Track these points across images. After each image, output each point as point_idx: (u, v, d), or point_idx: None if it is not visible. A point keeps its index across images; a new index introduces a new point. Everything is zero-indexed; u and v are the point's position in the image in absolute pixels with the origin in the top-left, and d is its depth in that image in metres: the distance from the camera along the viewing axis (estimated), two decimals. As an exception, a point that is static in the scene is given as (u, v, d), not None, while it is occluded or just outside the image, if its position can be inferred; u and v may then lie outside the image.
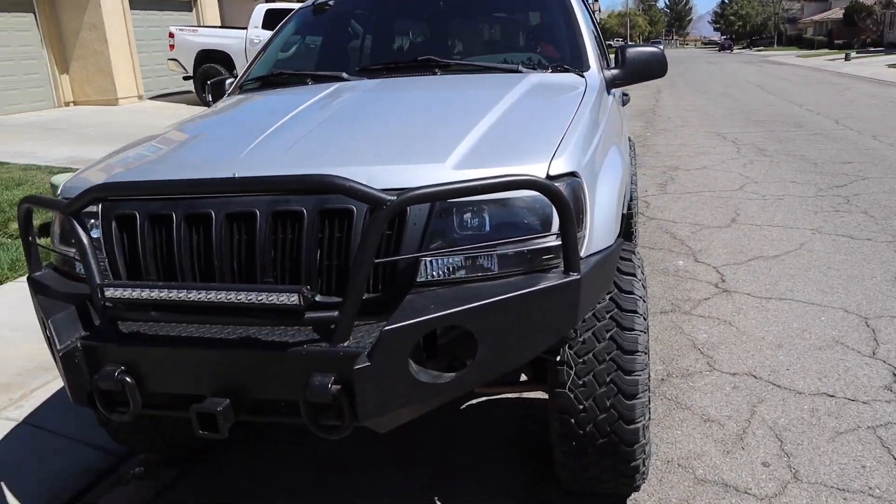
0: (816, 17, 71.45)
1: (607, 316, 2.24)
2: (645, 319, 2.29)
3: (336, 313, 1.75)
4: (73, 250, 2.17)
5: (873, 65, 32.94)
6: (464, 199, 1.86)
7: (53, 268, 2.36)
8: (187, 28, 17.07)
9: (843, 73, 28.89)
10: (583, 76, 2.98)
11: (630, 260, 2.38)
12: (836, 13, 64.77)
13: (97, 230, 2.16)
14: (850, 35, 56.73)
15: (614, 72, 3.20)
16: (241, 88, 3.55)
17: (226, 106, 3.11)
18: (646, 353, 2.23)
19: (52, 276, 2.30)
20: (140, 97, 16.83)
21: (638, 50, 3.20)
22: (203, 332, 1.90)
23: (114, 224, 2.11)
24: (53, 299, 2.09)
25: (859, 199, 6.95)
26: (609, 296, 2.27)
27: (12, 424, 3.22)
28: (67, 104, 16.03)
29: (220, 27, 18.36)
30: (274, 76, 3.43)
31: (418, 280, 1.89)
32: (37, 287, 2.20)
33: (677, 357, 3.73)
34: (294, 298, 1.68)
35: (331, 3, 3.93)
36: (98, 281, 1.89)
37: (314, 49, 3.78)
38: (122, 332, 1.96)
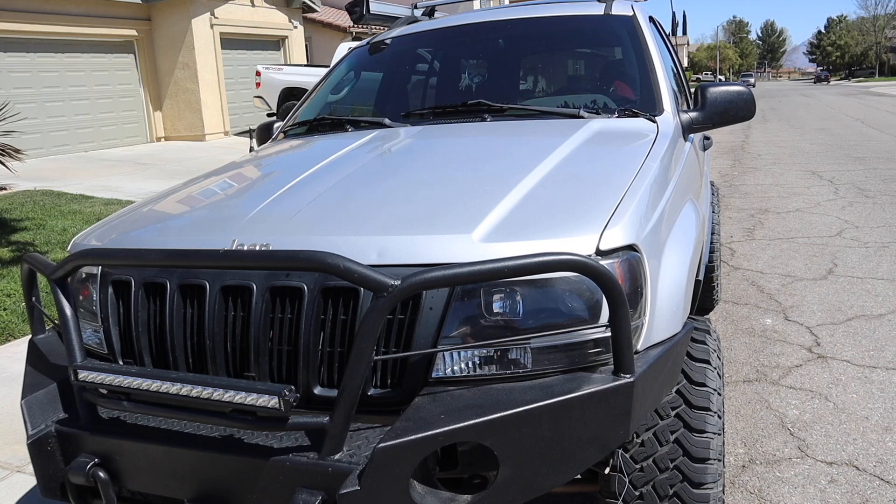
0: (923, 46, 67.64)
1: (672, 413, 1.86)
2: (720, 418, 1.90)
3: (326, 419, 1.47)
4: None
5: None
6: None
7: (58, 331, 2.19)
8: (273, 66, 17.55)
9: (954, 104, 26.96)
10: (654, 121, 2.62)
11: (703, 342, 2.00)
12: (946, 41, 61.11)
13: (96, 295, 1.97)
14: (962, 64, 53.28)
15: (693, 115, 2.79)
16: (286, 134, 3.37)
17: (258, 156, 2.92)
18: (719, 461, 1.84)
19: (53, 341, 2.13)
20: (226, 133, 17.35)
21: (721, 90, 2.78)
22: (184, 427, 1.66)
23: (110, 290, 1.92)
24: (40, 373, 1.90)
25: (979, 249, 6.19)
26: (676, 388, 1.90)
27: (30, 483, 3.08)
28: (159, 139, 16.70)
29: (305, 65, 18.81)
30: (317, 121, 3.23)
31: (433, 376, 1.58)
32: (31, 354, 2.03)
33: (762, 438, 3.25)
34: (274, 401, 1.40)
35: (387, 41, 3.73)
36: (76, 360, 1.69)
37: (366, 91, 3.57)
38: (100, 418, 1.74)
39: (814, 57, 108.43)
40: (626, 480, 1.83)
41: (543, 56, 3.25)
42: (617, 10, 3.35)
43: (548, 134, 2.43)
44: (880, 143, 15.26)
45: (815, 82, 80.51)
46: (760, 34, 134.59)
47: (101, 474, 1.66)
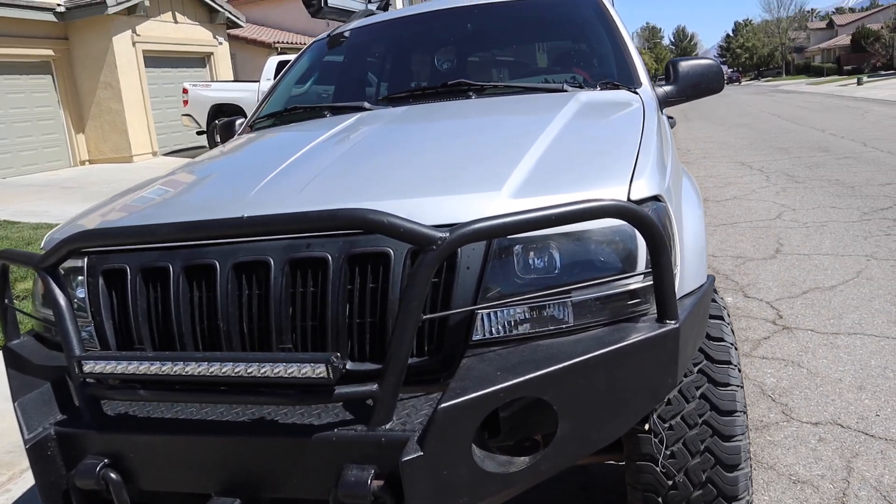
0: (823, 45, 71.57)
1: (696, 370, 1.85)
2: (740, 371, 1.91)
3: (375, 386, 1.38)
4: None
5: (887, 87, 32.59)
6: (528, 234, 1.50)
7: (35, 335, 2.03)
8: (200, 83, 17.11)
9: (857, 97, 28.55)
10: (636, 93, 2.64)
11: (715, 301, 2.00)
12: (843, 40, 64.89)
13: (82, 289, 1.82)
14: (859, 60, 56.65)
15: (667, 88, 2.82)
16: (252, 128, 3.25)
17: (234, 146, 2.79)
18: (745, 413, 1.84)
19: (31, 344, 1.97)
20: (154, 153, 16.80)
21: (692, 63, 2.83)
22: (206, 415, 1.54)
23: (101, 281, 1.78)
24: (27, 374, 1.74)
25: (909, 222, 6.52)
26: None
27: (2, 513, 2.85)
28: (83, 163, 16.02)
29: (233, 81, 18.41)
30: (288, 111, 3.12)
31: (474, 339, 1.52)
32: (10, 358, 1.86)
33: (747, 407, 3.30)
34: (321, 370, 1.31)
35: (346, 34, 3.65)
36: (76, 352, 1.55)
37: (331, 84, 3.47)
38: (105, 415, 1.60)
39: (724, 59, 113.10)
40: (656, 440, 1.81)
41: (514, 39, 3.23)
42: None
43: (539, 107, 2.41)
44: (799, 134, 15.99)
45: (728, 83, 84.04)
46: (673, 39, 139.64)
47: (113, 475, 1.52)
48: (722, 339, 1.93)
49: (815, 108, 24.30)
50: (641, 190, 1.62)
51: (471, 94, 2.67)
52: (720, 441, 1.79)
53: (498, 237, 1.43)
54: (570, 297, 1.52)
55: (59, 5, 14.93)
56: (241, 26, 20.20)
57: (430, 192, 1.65)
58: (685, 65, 2.85)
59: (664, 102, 2.86)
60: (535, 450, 1.45)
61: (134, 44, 16.08)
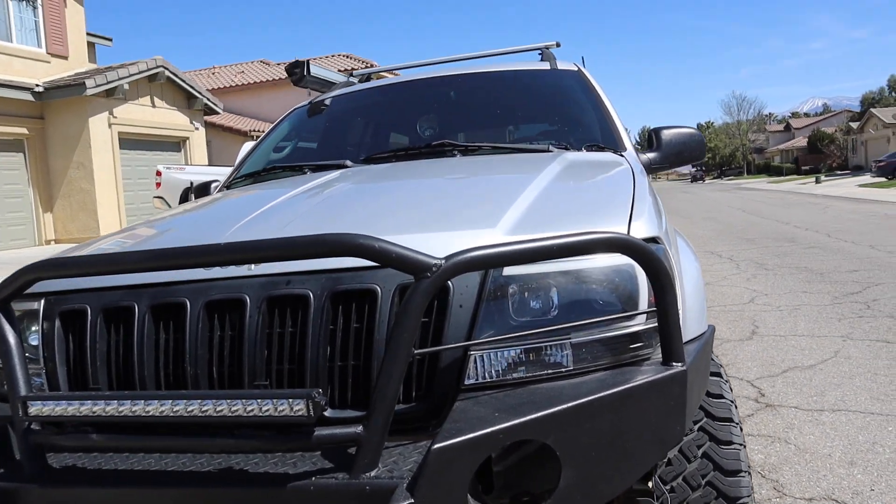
0: (782, 146, 74.81)
1: (696, 428, 1.75)
2: (741, 430, 1.80)
3: (359, 428, 1.25)
4: None
5: (844, 186, 33.91)
6: (524, 272, 1.42)
7: None
8: (174, 166, 17.12)
9: (817, 194, 29.56)
10: (622, 155, 2.62)
11: (713, 358, 1.92)
12: (801, 142, 67.98)
13: (36, 336, 1.68)
14: (816, 161, 59.18)
15: (650, 155, 2.81)
16: (229, 188, 3.17)
17: (210, 199, 2.69)
18: (750, 474, 1.73)
19: None
20: (123, 234, 16.59)
21: (675, 131, 2.83)
22: (166, 466, 1.37)
23: (57, 324, 1.64)
24: None
25: (880, 304, 6.58)
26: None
27: None
28: (49, 242, 15.74)
29: (207, 165, 18.46)
30: (266, 171, 3.05)
31: (466, 383, 1.41)
32: None
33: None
34: (300, 406, 1.18)
35: (328, 101, 3.65)
36: (22, 391, 1.39)
37: (312, 150, 3.42)
38: (50, 467, 1.42)
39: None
40: (658, 503, 1.68)
41: (497, 106, 3.24)
42: (562, 66, 3.44)
43: (527, 161, 2.36)
44: (764, 226, 16.39)
45: (691, 181, 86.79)
46: (639, 139, 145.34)
47: None
48: (722, 397, 1.84)
49: (778, 204, 25.07)
50: (640, 230, 1.56)
51: (455, 153, 2.63)
52: None
53: (496, 266, 1.33)
54: (569, 338, 1.42)
55: (37, 85, 15.03)
56: (218, 113, 20.48)
57: (422, 229, 1.56)
58: (668, 133, 2.86)
59: (648, 169, 2.85)
60: None
61: (110, 125, 16.15)
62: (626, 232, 1.52)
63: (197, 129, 19.47)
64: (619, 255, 1.47)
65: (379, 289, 1.43)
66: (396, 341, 1.22)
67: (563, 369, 1.42)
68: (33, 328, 1.70)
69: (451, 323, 1.41)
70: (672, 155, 2.85)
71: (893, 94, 71.93)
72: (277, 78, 25.03)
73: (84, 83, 14.79)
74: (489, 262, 1.28)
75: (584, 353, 1.42)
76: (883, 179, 35.12)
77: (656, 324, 1.40)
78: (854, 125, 56.90)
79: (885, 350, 5.09)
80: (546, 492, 1.26)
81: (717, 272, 9.74)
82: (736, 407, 1.88)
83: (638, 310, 1.46)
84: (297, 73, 3.75)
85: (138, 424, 1.37)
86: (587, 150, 2.66)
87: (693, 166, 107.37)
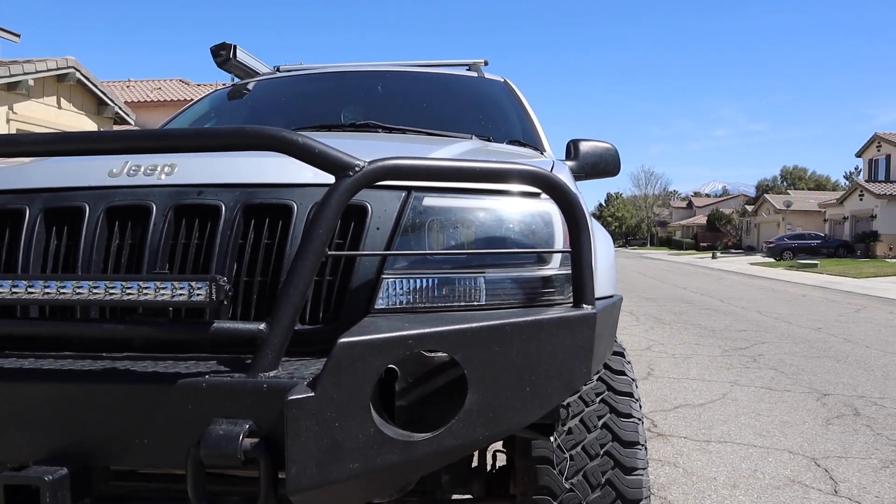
0: (684, 222, 78.82)
1: (597, 399, 1.76)
2: (640, 408, 1.83)
3: (262, 325, 1.19)
4: None
5: (737, 262, 35.98)
6: (444, 204, 1.41)
7: None
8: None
9: (713, 267, 31.15)
10: (543, 155, 2.65)
11: (616, 340, 1.95)
12: (700, 219, 71.87)
13: None
14: (713, 238, 62.62)
15: (568, 163, 2.87)
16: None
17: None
18: (646, 449, 1.75)
19: None
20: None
21: (593, 143, 2.88)
22: (41, 365, 1.25)
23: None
24: None
25: (765, 359, 6.94)
26: (597, 375, 1.81)
27: None
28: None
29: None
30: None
31: (376, 307, 1.36)
32: None
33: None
34: (201, 291, 1.11)
35: (250, 86, 3.58)
36: None
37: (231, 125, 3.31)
38: None
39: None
40: (555, 471, 1.67)
41: (423, 102, 3.24)
42: (488, 76, 3.51)
43: (450, 140, 2.36)
44: (664, 289, 17.10)
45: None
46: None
47: None
48: (624, 374, 1.87)
49: (678, 272, 26.28)
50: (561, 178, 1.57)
51: (378, 131, 2.60)
52: (622, 474, 1.67)
53: (417, 179, 1.30)
54: (483, 273, 1.41)
55: (-66, 70, 14.13)
56: (130, 124, 19.75)
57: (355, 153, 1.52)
58: (586, 144, 2.91)
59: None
60: None
61: (8, 121, 15.27)
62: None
63: (106, 137, 18.69)
64: (538, 200, 1.49)
65: (295, 205, 1.38)
66: (309, 238, 1.17)
67: (476, 303, 1.40)
68: None
69: (366, 245, 1.37)
70: (588, 166, 2.90)
71: (785, 183, 77.64)
72: (197, 98, 24.50)
73: (-14, 74, 14.00)
74: (412, 173, 1.25)
75: (497, 289, 1.41)
76: (772, 260, 37.50)
77: (569, 271, 1.41)
78: (749, 208, 60.79)
79: (768, 395, 5.34)
80: (448, 415, 1.22)
81: (618, 323, 10.04)
82: (637, 386, 1.91)
83: (553, 257, 1.47)
84: (223, 55, 3.66)
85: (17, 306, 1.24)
86: (509, 144, 2.69)
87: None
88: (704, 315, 11.02)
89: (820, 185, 76.27)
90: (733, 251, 54.99)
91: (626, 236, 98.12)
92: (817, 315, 11.12)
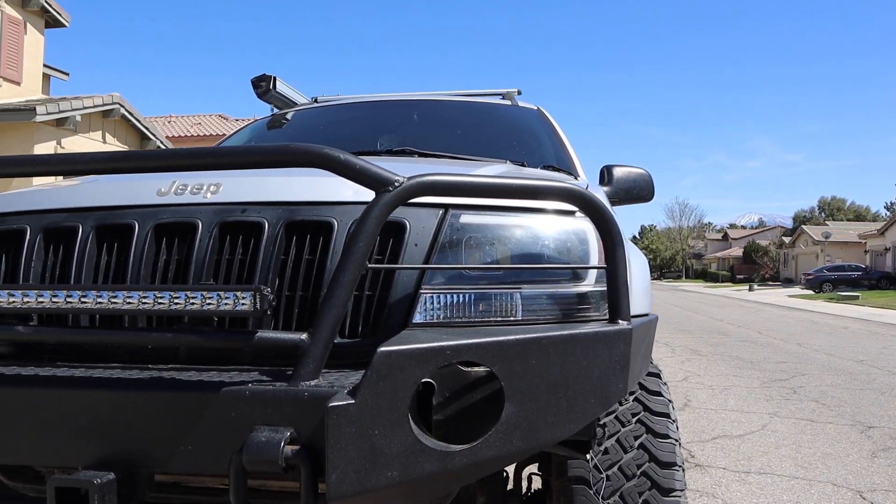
0: (719, 254, 77.75)
1: (634, 419, 1.75)
2: (678, 429, 1.82)
3: (304, 336, 1.22)
4: None
5: (775, 294, 35.31)
6: (481, 222, 1.44)
7: None
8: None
9: (750, 299, 30.63)
10: (577, 180, 2.67)
11: (652, 361, 1.95)
12: (737, 251, 70.81)
13: None
14: (750, 270, 61.58)
15: (602, 189, 2.89)
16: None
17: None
18: (683, 470, 1.73)
19: None
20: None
21: (626, 169, 2.90)
22: (90, 374, 1.30)
23: (-9, 245, 1.57)
24: None
25: (805, 391, 6.78)
26: (633, 396, 1.81)
27: None
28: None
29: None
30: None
31: (415, 321, 1.39)
32: None
33: None
34: (246, 300, 1.14)
35: (289, 116, 3.67)
36: None
37: None
38: None
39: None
40: (591, 491, 1.66)
41: (458, 130, 3.29)
42: (522, 104, 3.56)
43: (486, 163, 2.39)
44: (699, 320, 16.86)
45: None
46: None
47: None
48: (660, 394, 1.86)
49: (714, 304, 25.89)
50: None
51: (415, 156, 2.64)
52: (659, 495, 1.66)
53: (455, 195, 1.33)
54: (519, 289, 1.43)
55: (-14, 107, 14.70)
56: (171, 157, 20.29)
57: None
58: (620, 170, 2.93)
59: None
60: None
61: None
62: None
63: (147, 170, 19.20)
64: (574, 218, 1.50)
65: (336, 222, 1.42)
66: (350, 251, 1.20)
67: (512, 319, 1.42)
68: None
69: (404, 261, 1.40)
70: (622, 191, 2.92)
71: (823, 214, 76.31)
72: (234, 132, 25.07)
73: (34, 109, 14.50)
74: (449, 189, 1.29)
75: (533, 305, 1.43)
76: (811, 292, 36.75)
77: (605, 288, 1.43)
78: (786, 240, 59.85)
79: (809, 427, 5.21)
80: (485, 428, 1.23)
81: (653, 354, 9.90)
82: (673, 406, 1.90)
83: (589, 273, 1.48)
84: (263, 86, 3.78)
85: (67, 316, 1.29)
86: (543, 169, 2.72)
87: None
88: (742, 346, 10.82)
89: (860, 215, 74.86)
90: (770, 283, 54.03)
91: (660, 268, 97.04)
92: (859, 347, 10.84)
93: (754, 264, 62.68)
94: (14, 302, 1.23)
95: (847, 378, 7.61)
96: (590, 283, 1.48)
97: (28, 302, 1.23)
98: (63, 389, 1.23)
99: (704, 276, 74.57)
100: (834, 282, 38.16)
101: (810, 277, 40.07)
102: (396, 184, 1.23)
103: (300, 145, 1.25)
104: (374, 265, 1.34)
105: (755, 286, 46.03)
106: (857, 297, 27.40)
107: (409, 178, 1.24)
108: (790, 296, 33.40)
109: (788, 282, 53.95)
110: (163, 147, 19.01)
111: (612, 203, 2.95)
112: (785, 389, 6.86)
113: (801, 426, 5.24)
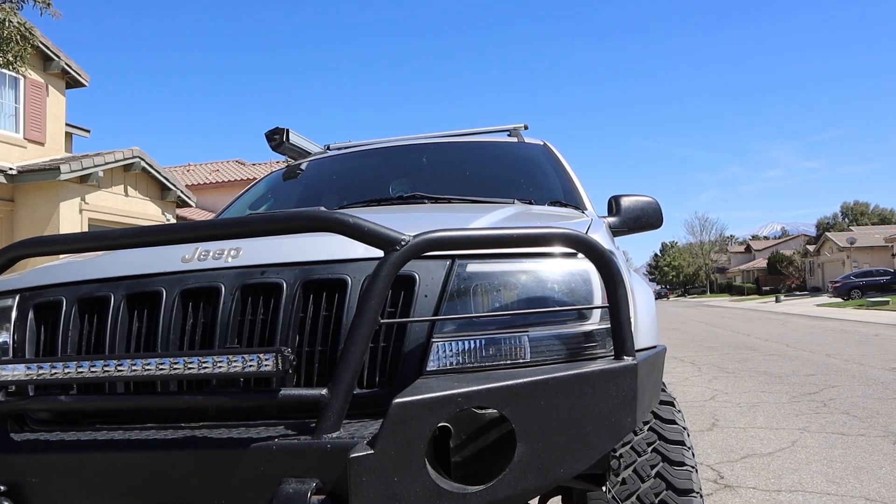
0: (743, 267, 76.93)
1: (649, 449, 1.81)
2: (693, 456, 1.86)
3: (324, 391, 1.30)
4: None
5: (803, 305, 34.84)
6: (487, 269, 1.52)
7: None
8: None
9: (777, 311, 30.29)
10: (584, 214, 2.75)
11: (665, 389, 2.00)
12: (761, 263, 70.05)
13: (7, 333, 1.71)
14: (776, 281, 60.85)
15: (610, 220, 2.95)
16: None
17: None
18: (702, 497, 1.77)
19: None
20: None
21: (633, 198, 2.98)
22: (130, 436, 1.40)
23: (31, 317, 1.68)
24: None
25: (836, 403, 6.71)
26: (647, 425, 1.86)
27: None
28: (4, 326, 15.33)
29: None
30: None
31: (428, 369, 1.47)
32: None
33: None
34: (268, 361, 1.23)
35: (303, 166, 3.80)
36: None
37: (288, 205, 3.52)
38: (9, 437, 1.44)
39: (653, 276, 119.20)
40: (610, 521, 1.71)
41: (466, 171, 3.40)
42: (528, 140, 3.66)
43: (494, 206, 2.48)
44: (726, 337, 16.69)
45: (657, 298, 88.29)
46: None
47: None
48: (674, 423, 1.91)
49: (739, 319, 25.61)
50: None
51: (425, 201, 2.75)
52: None
53: (460, 248, 1.41)
54: (527, 332, 1.50)
55: (10, 168, 15.12)
56: (191, 206, 20.66)
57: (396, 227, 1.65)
58: (627, 200, 3.00)
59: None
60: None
61: (81, 211, 16.17)
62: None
63: (168, 219, 19.54)
64: (576, 260, 1.58)
65: (349, 279, 1.51)
66: (363, 309, 1.29)
67: (522, 361, 1.49)
68: (5, 325, 1.72)
69: (416, 311, 1.48)
70: (630, 220, 2.98)
71: (846, 219, 75.37)
72: (252, 177, 25.47)
73: (59, 168, 14.92)
74: (454, 244, 1.37)
75: (541, 347, 1.50)
76: (839, 300, 36.23)
77: (609, 325, 1.49)
78: (811, 248, 59.19)
79: (840, 441, 5.17)
80: (500, 467, 1.30)
81: (679, 374, 9.84)
82: (689, 434, 1.95)
83: (593, 313, 1.55)
84: (277, 139, 3.91)
85: (105, 383, 1.38)
86: (550, 206, 2.80)
87: (658, 284, 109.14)
88: (770, 361, 10.72)
89: (885, 218, 73.73)
90: (797, 293, 53.33)
91: (684, 285, 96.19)
92: (891, 355, 10.70)
93: (780, 275, 61.96)
94: (56, 373, 1.33)
95: (878, 388, 7.52)
96: (594, 322, 1.55)
97: (69, 373, 1.33)
98: (104, 452, 1.33)
99: (729, 289, 73.79)
100: (862, 288, 37.60)
101: (838, 285, 39.52)
102: (403, 242, 1.32)
103: (311, 212, 1.35)
104: (386, 320, 1.42)
105: (782, 297, 45.46)
106: (887, 303, 26.99)
107: (416, 237, 1.33)
108: (818, 305, 32.96)
109: (816, 290, 53.19)
110: (183, 196, 19.39)
111: (622, 233, 3.02)
112: (815, 403, 6.80)
113: (832, 440, 5.19)
